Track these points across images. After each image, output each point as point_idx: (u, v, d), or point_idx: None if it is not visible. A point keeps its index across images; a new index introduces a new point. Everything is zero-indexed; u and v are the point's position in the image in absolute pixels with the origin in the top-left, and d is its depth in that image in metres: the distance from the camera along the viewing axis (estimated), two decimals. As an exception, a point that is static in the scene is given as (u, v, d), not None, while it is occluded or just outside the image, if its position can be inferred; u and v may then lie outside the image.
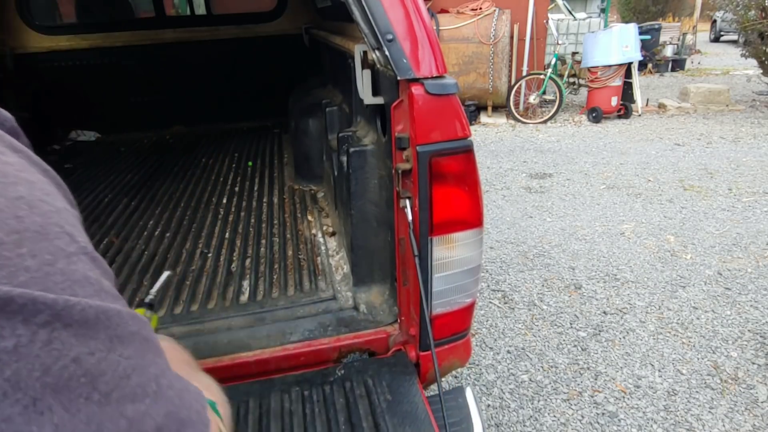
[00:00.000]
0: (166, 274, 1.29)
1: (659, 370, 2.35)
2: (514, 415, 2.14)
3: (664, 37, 11.54)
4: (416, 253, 1.07)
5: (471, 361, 2.46)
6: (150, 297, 1.31)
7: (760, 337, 2.55)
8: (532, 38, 7.38)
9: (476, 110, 7.35)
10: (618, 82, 6.93)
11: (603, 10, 10.40)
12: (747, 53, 8.07)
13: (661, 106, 7.74)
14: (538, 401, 2.21)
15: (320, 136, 2.26)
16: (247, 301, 1.50)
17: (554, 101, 7.18)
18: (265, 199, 2.28)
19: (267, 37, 3.48)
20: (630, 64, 6.95)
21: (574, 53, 7.63)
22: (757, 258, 3.28)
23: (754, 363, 2.37)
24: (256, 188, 2.44)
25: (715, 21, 17.19)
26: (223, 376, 1.23)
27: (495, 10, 6.78)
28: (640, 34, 7.28)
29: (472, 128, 1.05)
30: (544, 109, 7.49)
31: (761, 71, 7.99)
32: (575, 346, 2.55)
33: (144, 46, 3.32)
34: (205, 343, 1.30)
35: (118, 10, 3.52)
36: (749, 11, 7.82)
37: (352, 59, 1.51)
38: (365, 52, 1.27)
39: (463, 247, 1.10)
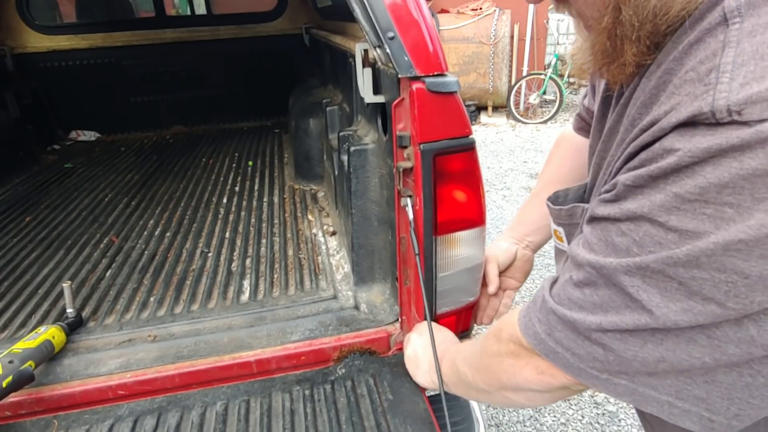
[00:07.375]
0: (65, 286, 1.32)
1: (660, 370, 2.35)
2: (515, 415, 2.14)
3: (664, 38, 11.54)
4: (417, 251, 1.06)
5: (472, 361, 2.45)
6: (71, 314, 1.34)
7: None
8: (532, 38, 7.38)
9: (476, 110, 7.35)
10: (618, 82, 6.92)
11: (603, 11, 10.38)
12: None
13: (661, 106, 7.74)
14: (539, 401, 2.21)
15: (320, 136, 2.26)
16: (247, 300, 1.50)
17: (555, 101, 7.18)
18: (265, 199, 2.28)
19: (267, 36, 3.48)
20: (630, 64, 6.94)
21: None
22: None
23: (755, 363, 2.37)
24: (256, 188, 2.44)
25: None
26: (223, 375, 1.23)
27: (495, 10, 6.78)
28: (640, 34, 7.26)
29: (472, 128, 1.05)
30: (544, 109, 7.48)
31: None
32: (576, 345, 2.55)
33: (144, 46, 3.31)
34: (205, 342, 1.29)
35: (118, 10, 3.52)
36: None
37: (352, 58, 1.51)
38: (366, 51, 1.27)
39: (467, 246, 1.10)
